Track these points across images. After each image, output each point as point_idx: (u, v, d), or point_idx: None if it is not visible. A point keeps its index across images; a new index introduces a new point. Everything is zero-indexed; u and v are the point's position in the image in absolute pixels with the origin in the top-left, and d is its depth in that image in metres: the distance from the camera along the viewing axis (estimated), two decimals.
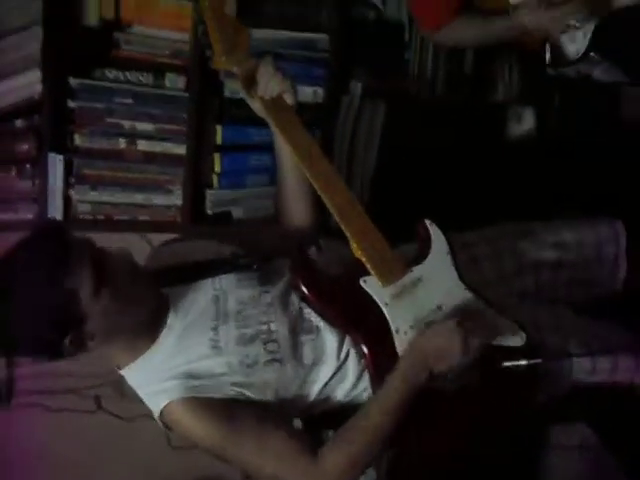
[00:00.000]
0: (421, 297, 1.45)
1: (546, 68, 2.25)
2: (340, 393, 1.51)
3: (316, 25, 2.17)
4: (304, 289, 1.45)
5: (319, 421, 1.56)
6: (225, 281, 1.49)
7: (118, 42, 2.08)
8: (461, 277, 1.49)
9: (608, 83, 2.25)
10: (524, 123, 2.35)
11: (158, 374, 1.44)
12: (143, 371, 1.46)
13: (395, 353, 1.43)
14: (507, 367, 1.45)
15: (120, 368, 1.49)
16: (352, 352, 1.48)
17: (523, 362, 1.45)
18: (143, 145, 2.12)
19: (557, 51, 1.84)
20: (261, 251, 1.58)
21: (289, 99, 1.49)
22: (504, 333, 1.47)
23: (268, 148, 2.12)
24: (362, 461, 1.45)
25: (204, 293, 1.48)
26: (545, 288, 1.72)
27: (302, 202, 1.58)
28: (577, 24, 1.78)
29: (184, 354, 1.44)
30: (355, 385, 1.50)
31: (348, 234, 1.45)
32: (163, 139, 2.13)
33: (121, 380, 2.38)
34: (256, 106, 1.52)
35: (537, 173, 2.24)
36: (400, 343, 1.43)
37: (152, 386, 1.45)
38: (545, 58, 1.87)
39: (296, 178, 1.54)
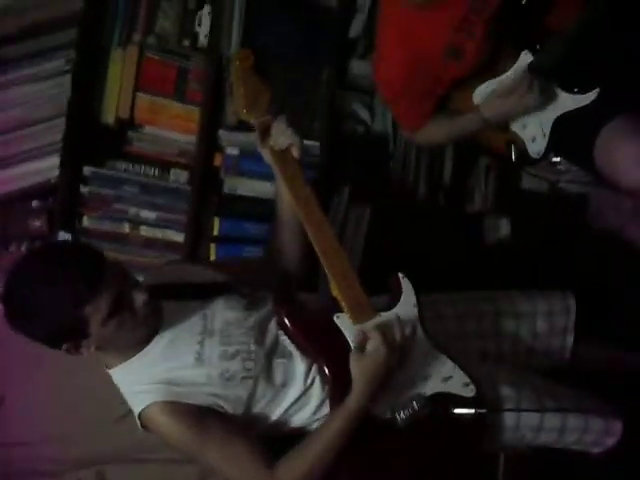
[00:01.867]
0: None
1: (520, 181, 2.51)
2: (302, 417, 1.65)
3: (309, 133, 2.39)
4: (285, 318, 1.62)
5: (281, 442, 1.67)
6: (215, 303, 1.66)
7: (131, 139, 2.33)
8: (423, 327, 1.64)
9: (575, 194, 2.49)
10: (500, 231, 2.54)
11: (143, 377, 1.58)
12: (130, 373, 1.60)
13: None
14: (456, 414, 1.59)
15: (108, 367, 1.63)
16: (317, 380, 1.63)
17: (470, 411, 1.59)
18: (145, 231, 2.32)
19: (521, 150, 2.05)
20: (249, 282, 1.75)
21: (296, 152, 1.68)
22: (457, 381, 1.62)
23: (260, 242, 2.34)
24: (313, 477, 1.58)
25: (195, 311, 1.64)
26: (506, 355, 1.86)
27: (295, 243, 1.75)
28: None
29: (169, 362, 1.59)
30: (316, 411, 1.64)
31: (329, 274, 1.62)
32: (164, 227, 2.32)
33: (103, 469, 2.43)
34: (266, 155, 1.71)
35: (509, 268, 2.40)
36: None
37: (136, 387, 1.59)
38: (512, 157, 2.07)
39: (293, 221, 1.72)
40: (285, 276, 1.77)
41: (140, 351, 1.58)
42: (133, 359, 1.58)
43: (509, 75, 1.94)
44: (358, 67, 2.47)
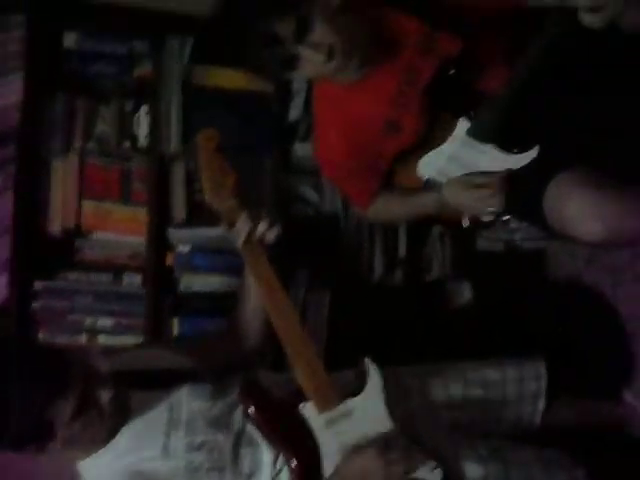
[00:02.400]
0: (351, 427, 1.57)
1: (475, 244, 2.51)
2: None
3: None
4: (250, 410, 1.59)
5: None
6: (180, 392, 1.62)
7: (80, 247, 2.31)
8: (390, 414, 1.61)
9: (531, 249, 2.50)
10: (462, 296, 2.53)
11: (110, 471, 1.55)
12: (97, 467, 1.57)
13: (321, 475, 1.56)
14: None
15: (76, 460, 1.59)
16: (285, 469, 1.59)
17: None
18: (103, 339, 2.27)
19: (471, 216, 2.04)
20: (214, 365, 1.72)
21: (270, 236, 1.68)
22: (424, 469, 1.57)
23: None
24: None
25: (161, 400, 1.60)
26: (476, 424, 1.84)
27: (258, 326, 1.76)
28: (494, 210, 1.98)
29: (135, 454, 1.55)
30: None
31: (293, 362, 1.60)
32: (122, 333, 2.28)
33: None
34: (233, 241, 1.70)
35: (475, 332, 2.39)
36: (327, 466, 1.56)
37: None
38: (463, 223, 2.07)
39: (258, 308, 1.73)
40: (251, 363, 1.76)
41: (107, 443, 1.55)
42: (100, 452, 1.55)
43: (448, 144, 1.96)
44: (302, 149, 2.47)
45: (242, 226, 1.66)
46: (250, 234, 1.66)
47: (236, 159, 2.35)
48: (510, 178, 1.92)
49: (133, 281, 2.30)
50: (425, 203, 2.04)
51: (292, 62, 1.76)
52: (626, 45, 1.71)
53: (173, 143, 2.35)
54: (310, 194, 2.50)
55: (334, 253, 2.48)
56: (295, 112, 2.46)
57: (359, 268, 2.49)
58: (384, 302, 2.45)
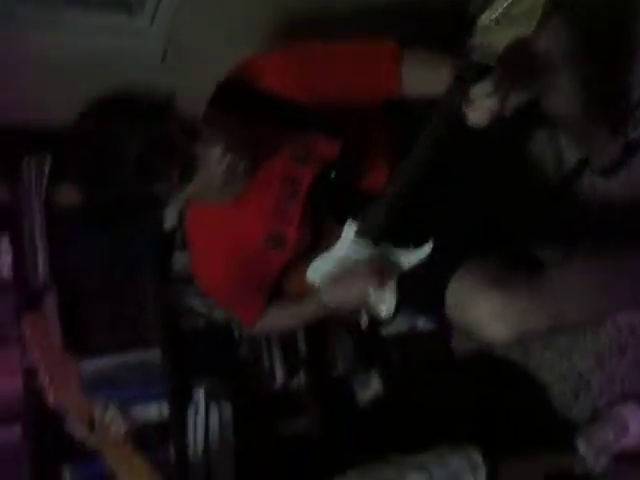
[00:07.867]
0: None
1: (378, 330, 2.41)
2: None
3: (146, 341, 2.20)
4: None
5: None
6: None
7: None
8: None
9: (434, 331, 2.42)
10: (370, 388, 2.41)
11: None
12: None
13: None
14: None
15: None
16: None
17: None
18: None
19: (370, 316, 1.92)
20: None
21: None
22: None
23: None
24: None
25: None
26: None
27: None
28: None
29: None
30: None
31: None
32: None
33: None
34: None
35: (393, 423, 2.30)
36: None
37: None
38: (361, 324, 1.95)
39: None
40: None
41: None
42: None
43: (338, 247, 1.84)
44: (182, 258, 2.29)
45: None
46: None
47: (113, 283, 2.22)
48: (407, 275, 1.84)
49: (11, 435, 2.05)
50: (309, 311, 1.94)
51: (191, 167, 1.54)
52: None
53: (40, 278, 2.12)
54: (198, 304, 2.33)
55: (232, 362, 2.33)
56: (171, 220, 2.29)
57: (260, 375, 2.34)
58: (291, 410, 2.31)
